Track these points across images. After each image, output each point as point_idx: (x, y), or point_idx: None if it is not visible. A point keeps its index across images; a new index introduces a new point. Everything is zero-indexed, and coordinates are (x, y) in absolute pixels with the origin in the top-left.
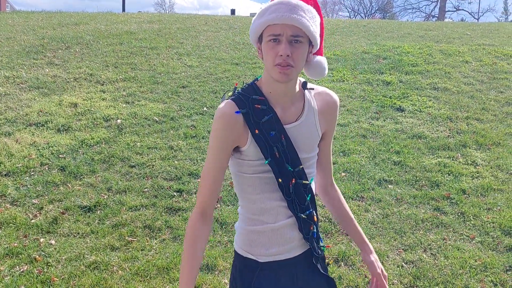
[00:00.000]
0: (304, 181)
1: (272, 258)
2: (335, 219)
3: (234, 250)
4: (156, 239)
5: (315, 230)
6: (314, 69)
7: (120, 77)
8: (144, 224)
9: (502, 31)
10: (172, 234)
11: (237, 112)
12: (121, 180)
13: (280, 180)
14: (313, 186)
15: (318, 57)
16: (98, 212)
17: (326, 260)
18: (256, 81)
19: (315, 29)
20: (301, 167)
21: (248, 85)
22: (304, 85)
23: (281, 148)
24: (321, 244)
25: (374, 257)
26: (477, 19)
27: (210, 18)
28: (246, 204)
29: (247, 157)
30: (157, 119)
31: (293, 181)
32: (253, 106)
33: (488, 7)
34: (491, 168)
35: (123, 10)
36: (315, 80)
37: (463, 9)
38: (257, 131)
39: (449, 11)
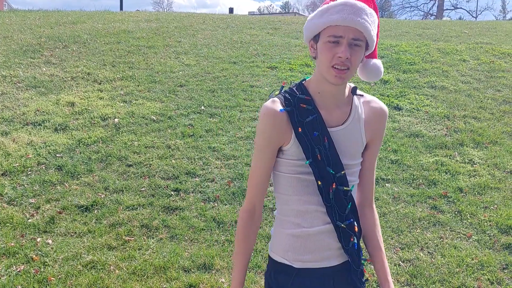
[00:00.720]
0: (345, 188)
1: (308, 265)
2: (364, 244)
3: (268, 256)
4: (153, 238)
5: (355, 242)
6: (370, 72)
7: (118, 76)
8: (141, 224)
9: (500, 29)
10: (170, 234)
11: (281, 110)
12: (118, 180)
13: (319, 182)
14: (354, 195)
15: (374, 60)
16: (95, 211)
17: (366, 276)
18: (304, 81)
19: (374, 32)
20: (343, 172)
21: (296, 84)
22: (354, 91)
23: (323, 151)
24: (362, 258)
25: None
26: (475, 18)
27: (208, 17)
28: (282, 206)
29: (288, 156)
30: (154, 118)
31: (334, 186)
32: (299, 105)
33: (486, 5)
34: (488, 166)
35: (121, 8)
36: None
37: (461, 8)
38: (300, 130)
39: (447, 9)
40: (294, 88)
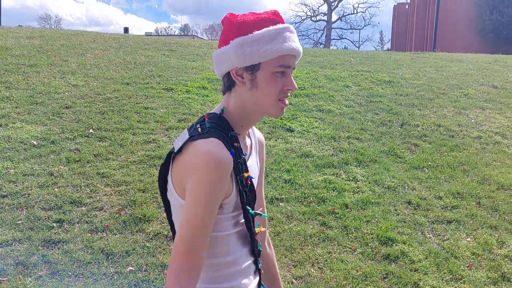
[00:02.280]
0: (263, 228)
1: None
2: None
3: None
4: (31, 276)
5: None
6: None
7: None
8: (17, 261)
9: (377, 59)
10: (50, 270)
11: (231, 153)
12: None
13: (257, 231)
14: None
15: None
16: None
17: None
18: (223, 113)
19: None
20: (260, 212)
21: (217, 117)
22: None
23: (247, 193)
24: None
25: None
26: (358, 48)
27: (100, 36)
28: (212, 274)
29: (227, 210)
30: (35, 142)
31: (260, 230)
32: (233, 144)
33: (367, 37)
34: (369, 183)
35: None
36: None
37: (346, 38)
38: (247, 175)
39: (334, 39)
40: (220, 123)
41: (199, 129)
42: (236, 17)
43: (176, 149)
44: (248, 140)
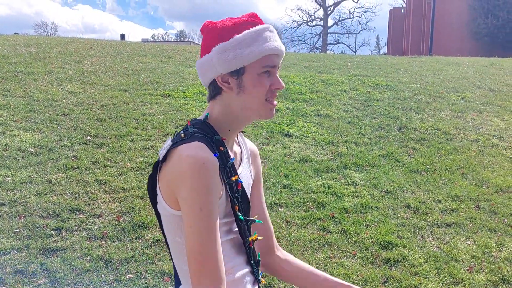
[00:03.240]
0: (259, 237)
1: None
2: (301, 285)
3: None
4: (29, 285)
5: None
6: None
7: None
8: (15, 269)
9: (374, 63)
10: (49, 278)
11: (215, 154)
12: None
13: (251, 239)
14: None
15: None
16: None
17: None
18: (206, 119)
19: None
20: (255, 219)
21: (201, 122)
22: None
23: (239, 199)
24: None
25: None
26: (355, 52)
27: (96, 43)
28: None
29: (219, 215)
30: (32, 150)
31: (255, 239)
32: (218, 148)
33: (363, 41)
34: (368, 187)
35: None
36: None
37: (342, 43)
38: (235, 178)
39: (330, 44)
40: (204, 127)
41: (182, 134)
42: (215, 24)
43: (161, 158)
44: (237, 148)
